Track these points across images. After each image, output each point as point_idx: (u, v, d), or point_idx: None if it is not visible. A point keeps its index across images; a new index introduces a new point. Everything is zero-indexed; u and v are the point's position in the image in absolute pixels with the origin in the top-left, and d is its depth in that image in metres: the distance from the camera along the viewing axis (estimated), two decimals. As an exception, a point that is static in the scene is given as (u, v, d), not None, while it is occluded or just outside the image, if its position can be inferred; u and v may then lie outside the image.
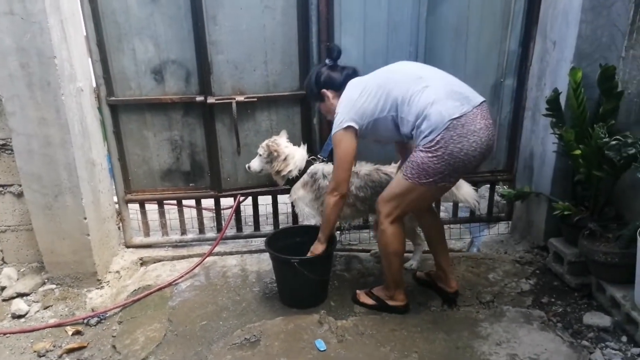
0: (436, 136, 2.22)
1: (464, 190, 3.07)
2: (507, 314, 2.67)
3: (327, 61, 2.67)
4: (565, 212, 2.83)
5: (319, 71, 2.65)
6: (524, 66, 3.28)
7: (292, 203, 3.19)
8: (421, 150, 2.28)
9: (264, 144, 3.07)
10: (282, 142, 3.06)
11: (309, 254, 2.67)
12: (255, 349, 2.42)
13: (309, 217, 3.05)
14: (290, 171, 3.02)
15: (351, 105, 2.42)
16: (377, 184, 2.91)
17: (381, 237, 2.51)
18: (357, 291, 2.82)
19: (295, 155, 3.04)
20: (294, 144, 3.11)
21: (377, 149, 3.20)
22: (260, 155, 3.08)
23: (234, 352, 2.40)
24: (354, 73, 2.63)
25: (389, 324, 2.59)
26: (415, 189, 2.35)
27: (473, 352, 2.38)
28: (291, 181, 3.06)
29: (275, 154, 2.99)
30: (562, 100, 2.84)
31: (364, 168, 3.00)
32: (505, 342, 2.44)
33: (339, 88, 2.57)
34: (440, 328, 2.55)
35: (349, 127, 2.39)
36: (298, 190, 3.04)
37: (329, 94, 2.62)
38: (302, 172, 3.03)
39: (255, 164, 3.12)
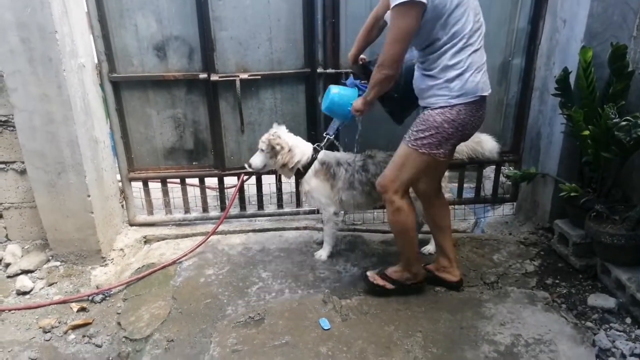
0: (461, 103, 2.18)
1: (489, 145, 2.97)
2: (512, 294, 2.67)
3: None
4: (572, 194, 2.80)
5: None
6: (532, 45, 3.22)
7: (304, 194, 3.03)
8: (437, 112, 2.21)
9: (264, 138, 2.89)
10: (282, 133, 2.91)
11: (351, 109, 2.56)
12: (260, 327, 2.43)
13: (326, 207, 2.94)
14: (298, 162, 2.88)
15: None
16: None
17: (397, 216, 2.42)
18: (368, 273, 2.68)
19: (299, 144, 2.92)
20: (299, 124, 3.06)
21: (388, 135, 3.15)
22: (262, 150, 2.90)
23: (239, 330, 2.41)
24: None
25: (393, 303, 2.59)
26: (418, 158, 2.29)
27: (477, 332, 2.38)
28: (299, 173, 2.93)
29: (279, 147, 2.83)
30: (572, 80, 2.79)
31: (379, 155, 2.91)
32: (510, 323, 2.44)
33: None
34: (445, 308, 2.55)
35: (417, 2, 2.04)
36: (310, 180, 2.91)
37: None
38: (311, 161, 2.90)
39: (257, 161, 2.92)
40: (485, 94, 2.26)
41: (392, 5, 2.07)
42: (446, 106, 2.20)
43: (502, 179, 3.62)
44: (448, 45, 2.16)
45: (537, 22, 3.16)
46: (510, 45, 3.24)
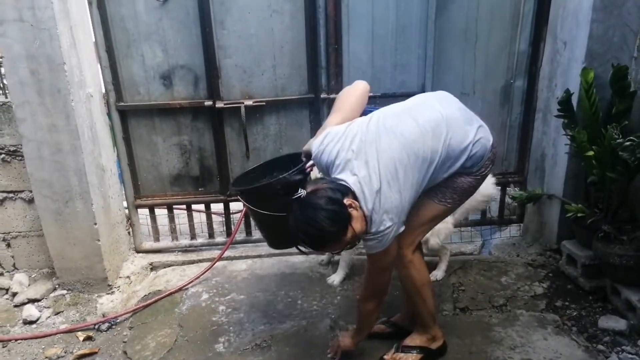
0: (483, 164, 2.04)
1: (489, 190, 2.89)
2: (521, 318, 2.63)
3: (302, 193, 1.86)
4: (579, 214, 2.79)
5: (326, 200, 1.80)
6: (534, 67, 3.24)
7: None
8: (470, 176, 2.06)
9: None
10: None
11: (335, 349, 2.33)
12: (267, 354, 2.41)
13: None
14: None
15: (401, 206, 1.90)
16: None
17: (409, 271, 2.16)
18: (386, 357, 2.33)
19: None
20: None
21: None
22: None
23: (245, 358, 2.39)
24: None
25: (401, 328, 2.56)
26: (447, 211, 2.16)
27: (487, 357, 2.34)
28: None
29: None
30: (574, 101, 2.80)
31: None
32: (520, 347, 2.41)
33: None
34: (453, 333, 2.52)
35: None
36: None
37: (349, 201, 1.83)
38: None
39: None
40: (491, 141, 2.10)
41: (369, 253, 1.97)
42: (471, 172, 2.06)
43: (508, 200, 3.61)
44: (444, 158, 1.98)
45: (537, 44, 3.19)
46: (511, 68, 3.27)
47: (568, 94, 2.78)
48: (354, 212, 1.81)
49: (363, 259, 3.30)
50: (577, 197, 2.97)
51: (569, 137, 2.81)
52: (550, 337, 2.47)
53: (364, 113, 3.09)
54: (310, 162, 2.14)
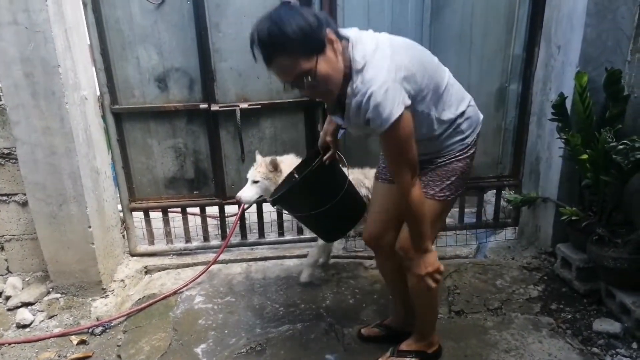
0: (474, 137, 1.96)
1: None
2: (516, 320, 2.64)
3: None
4: (573, 217, 2.80)
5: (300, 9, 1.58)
6: (528, 71, 3.26)
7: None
8: (458, 159, 1.94)
9: (259, 164, 2.81)
10: (277, 158, 2.83)
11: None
12: (261, 357, 2.40)
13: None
14: None
15: (395, 66, 1.63)
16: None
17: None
18: None
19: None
20: (298, 153, 3.06)
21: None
22: (255, 182, 2.80)
23: (240, 361, 2.38)
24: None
25: (396, 331, 2.56)
26: (447, 206, 2.02)
27: (482, 360, 2.35)
28: None
29: (279, 172, 2.77)
30: (568, 104, 2.81)
31: (371, 172, 2.90)
32: (514, 350, 2.41)
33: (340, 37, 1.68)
34: (448, 336, 2.52)
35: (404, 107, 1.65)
36: None
37: (333, 36, 1.62)
38: None
39: (249, 194, 2.81)
40: (481, 116, 2.06)
41: (384, 127, 1.64)
42: (463, 149, 1.95)
43: (503, 203, 3.62)
44: (441, 111, 1.89)
45: (532, 48, 3.21)
46: (506, 72, 3.29)
47: (562, 97, 2.79)
48: (329, 51, 1.60)
49: (348, 261, 3.31)
50: (571, 200, 2.98)
51: (563, 140, 2.81)
52: (545, 340, 2.47)
53: None
54: (329, 154, 2.20)
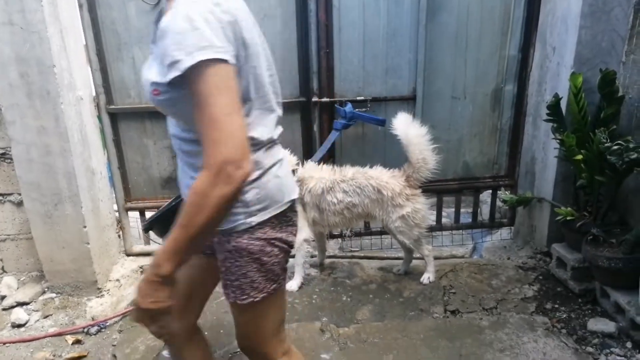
0: (269, 219, 1.38)
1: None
2: (511, 320, 2.64)
3: None
4: (568, 218, 2.81)
5: None
6: (524, 72, 3.27)
7: None
8: (243, 237, 1.35)
9: None
10: None
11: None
12: (257, 357, 2.40)
13: (299, 230, 2.91)
14: None
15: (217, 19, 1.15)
16: (365, 189, 2.85)
17: None
18: None
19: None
20: (294, 153, 3.07)
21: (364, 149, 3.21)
22: None
23: (235, 361, 2.38)
24: None
25: (391, 331, 2.57)
26: (266, 307, 1.47)
27: (477, 359, 2.35)
28: None
29: None
30: (563, 105, 2.83)
31: (349, 172, 2.91)
32: (509, 349, 2.41)
33: None
34: (443, 335, 2.53)
35: (220, 61, 1.13)
36: None
37: None
38: None
39: None
40: (295, 196, 1.47)
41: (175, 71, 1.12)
42: (246, 227, 1.34)
43: (498, 203, 3.63)
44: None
45: (527, 49, 3.22)
46: (502, 73, 3.30)
47: (557, 98, 2.80)
48: None
49: (344, 261, 3.31)
50: (566, 201, 3.00)
51: (558, 141, 2.83)
52: (540, 340, 2.48)
53: (340, 111, 3.11)
54: None
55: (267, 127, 1.37)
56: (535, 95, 3.21)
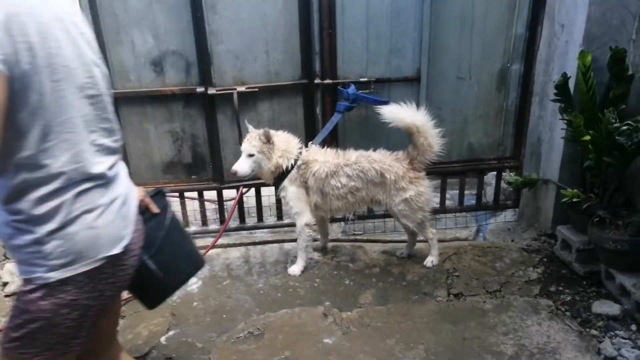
0: (71, 276, 1.18)
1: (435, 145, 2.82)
2: (515, 303, 2.63)
3: None
4: (574, 199, 2.78)
5: None
6: (531, 51, 3.20)
7: (281, 197, 3.00)
8: (35, 293, 1.16)
9: (252, 137, 2.76)
10: (271, 132, 2.79)
11: None
12: (260, 342, 2.40)
13: (300, 215, 2.91)
14: (290, 164, 2.82)
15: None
16: (368, 173, 2.82)
17: None
18: None
19: (290, 143, 2.87)
20: (297, 135, 3.02)
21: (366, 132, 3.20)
22: (251, 155, 2.77)
23: (238, 346, 2.38)
24: None
25: (394, 315, 2.56)
26: None
27: (480, 343, 2.34)
28: (278, 177, 2.87)
29: (272, 146, 2.76)
30: (571, 85, 2.77)
31: (352, 155, 2.87)
32: (513, 332, 2.40)
33: None
34: (447, 319, 2.52)
35: None
36: (289, 186, 2.86)
37: None
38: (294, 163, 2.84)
39: (244, 167, 2.76)
40: (117, 251, 1.26)
41: None
42: (42, 284, 1.16)
43: (503, 185, 3.59)
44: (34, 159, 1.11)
45: (535, 28, 3.15)
46: (508, 52, 3.23)
47: (565, 77, 2.74)
48: None
49: (347, 244, 3.30)
50: (572, 182, 2.96)
51: (565, 121, 2.78)
52: (544, 322, 2.47)
53: (342, 93, 3.06)
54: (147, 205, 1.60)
55: (77, 159, 1.15)
56: (543, 74, 3.14)
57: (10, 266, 3.03)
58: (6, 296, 2.88)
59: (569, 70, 2.79)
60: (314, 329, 2.47)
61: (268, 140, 2.76)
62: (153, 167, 3.35)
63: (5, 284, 2.95)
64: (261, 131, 2.77)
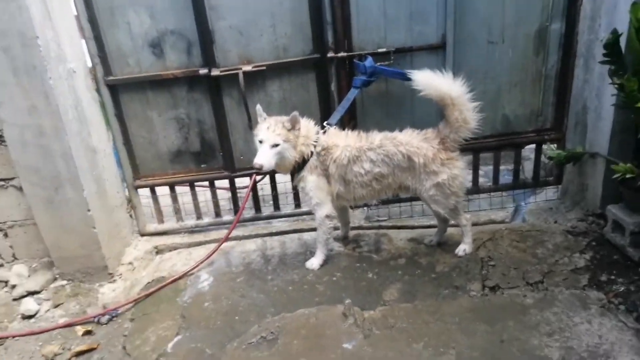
0: None
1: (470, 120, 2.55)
2: (560, 297, 2.36)
3: None
4: (627, 175, 2.49)
5: None
6: (573, 6, 2.86)
7: (299, 188, 2.78)
8: None
9: (275, 124, 2.50)
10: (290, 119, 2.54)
11: None
12: (273, 348, 2.22)
13: (321, 206, 2.67)
14: (310, 152, 2.59)
15: None
16: (394, 157, 2.56)
17: None
18: None
19: (309, 128, 2.64)
20: (311, 115, 2.76)
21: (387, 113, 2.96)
22: (277, 145, 2.48)
23: (249, 353, 2.20)
24: None
25: (422, 314, 2.33)
26: None
27: (521, 346, 2.09)
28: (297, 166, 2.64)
29: (298, 132, 2.52)
30: (622, 43, 2.45)
31: (376, 138, 2.61)
32: (559, 332, 2.14)
33: None
34: (482, 317, 2.27)
35: None
36: (309, 175, 2.63)
37: None
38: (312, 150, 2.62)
39: (267, 158, 2.48)
40: None
41: None
42: None
43: (543, 159, 3.26)
44: None
45: (577, -22, 2.76)
46: (547, 9, 2.89)
47: (615, 35, 2.43)
48: None
49: (370, 232, 3.05)
50: (625, 155, 2.69)
51: (616, 86, 2.49)
52: (594, 320, 2.20)
53: (359, 67, 2.76)
54: None
55: None
56: (587, 33, 2.80)
57: (18, 268, 2.94)
58: (14, 299, 2.80)
59: (620, 26, 2.47)
60: (333, 332, 2.27)
61: (294, 126, 2.51)
62: (160, 157, 3.19)
63: (14, 287, 2.85)
64: (285, 118, 2.51)
